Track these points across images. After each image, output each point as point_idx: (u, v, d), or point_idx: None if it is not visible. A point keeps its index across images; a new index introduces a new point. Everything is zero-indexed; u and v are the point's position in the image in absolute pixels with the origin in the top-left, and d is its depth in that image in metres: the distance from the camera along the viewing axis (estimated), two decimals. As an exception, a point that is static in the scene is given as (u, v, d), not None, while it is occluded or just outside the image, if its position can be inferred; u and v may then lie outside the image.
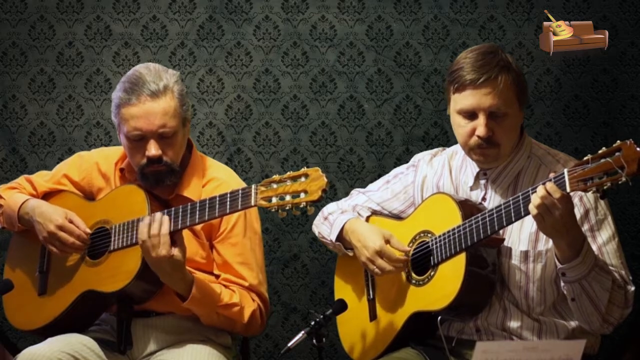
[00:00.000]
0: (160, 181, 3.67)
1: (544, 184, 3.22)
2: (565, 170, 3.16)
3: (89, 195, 3.83)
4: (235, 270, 3.70)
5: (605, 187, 3.06)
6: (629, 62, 4.63)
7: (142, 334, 3.68)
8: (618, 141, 3.06)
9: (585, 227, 3.39)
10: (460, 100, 3.44)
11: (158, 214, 3.55)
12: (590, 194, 3.38)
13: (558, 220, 3.20)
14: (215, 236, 3.72)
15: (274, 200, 3.38)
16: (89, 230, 3.69)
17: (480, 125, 3.42)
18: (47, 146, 4.78)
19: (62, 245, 3.66)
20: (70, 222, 3.68)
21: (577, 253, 3.27)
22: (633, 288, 3.37)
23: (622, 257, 3.41)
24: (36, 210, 3.72)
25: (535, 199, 3.21)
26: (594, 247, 3.37)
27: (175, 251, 3.51)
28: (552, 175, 3.22)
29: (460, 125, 3.47)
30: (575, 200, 3.39)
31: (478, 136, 3.42)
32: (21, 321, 3.80)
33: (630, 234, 4.63)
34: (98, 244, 3.69)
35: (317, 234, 3.83)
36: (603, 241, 3.39)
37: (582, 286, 3.30)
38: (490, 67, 3.42)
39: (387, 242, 3.54)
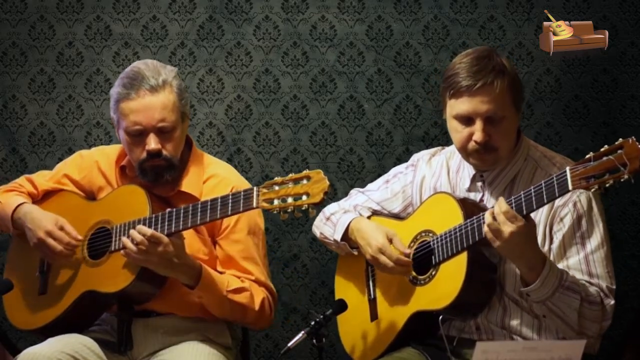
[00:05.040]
0: (159, 176, 3.67)
1: (499, 202, 3.27)
2: (568, 169, 3.16)
3: (90, 194, 3.83)
4: (241, 265, 3.70)
5: (607, 185, 3.07)
6: (629, 62, 4.63)
7: (143, 334, 3.68)
8: (620, 139, 3.07)
9: (576, 234, 3.40)
10: (457, 106, 3.44)
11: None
12: (584, 200, 3.40)
13: (510, 241, 3.23)
14: (219, 233, 3.72)
15: (276, 202, 3.38)
16: (80, 237, 3.68)
17: (477, 131, 3.42)
18: (47, 146, 4.78)
19: (52, 252, 3.66)
20: (61, 229, 3.68)
21: (537, 276, 3.29)
22: (612, 302, 3.38)
23: (609, 265, 3.41)
24: (27, 215, 3.71)
25: (487, 218, 3.26)
26: (581, 255, 3.39)
27: (169, 246, 3.51)
28: (553, 174, 3.24)
29: (457, 130, 3.47)
30: (570, 206, 3.41)
31: (475, 141, 3.43)
32: (21, 321, 3.80)
33: (630, 234, 4.63)
34: (99, 244, 3.69)
35: (318, 234, 3.82)
36: (591, 249, 3.40)
37: (547, 307, 3.33)
38: (486, 72, 3.41)
39: (390, 241, 3.54)
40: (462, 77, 3.42)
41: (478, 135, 3.42)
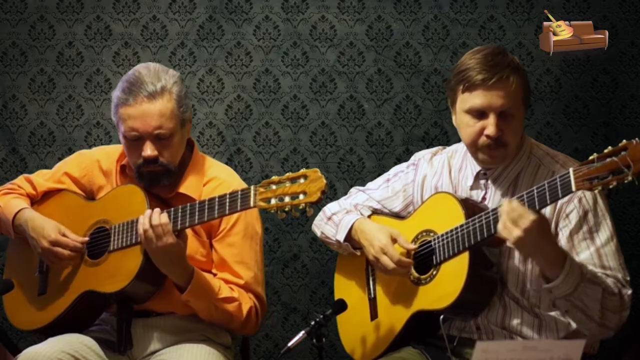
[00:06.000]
0: (155, 181, 3.67)
1: (510, 200, 3.25)
2: (571, 170, 3.15)
3: (90, 193, 3.83)
4: (232, 268, 3.69)
5: (610, 186, 3.06)
6: (629, 62, 4.63)
7: (142, 334, 3.68)
8: (624, 140, 3.06)
9: (584, 229, 3.39)
10: (471, 100, 3.43)
11: (157, 209, 3.56)
12: (589, 195, 3.39)
13: (526, 238, 3.22)
14: (215, 235, 3.72)
15: (273, 201, 3.38)
16: (86, 239, 3.69)
17: (490, 125, 3.41)
18: (47, 146, 4.78)
19: (59, 259, 3.67)
20: (64, 235, 3.68)
21: (558, 271, 3.27)
22: (630, 291, 3.37)
23: (621, 257, 3.41)
24: (29, 223, 3.71)
25: (500, 215, 3.25)
26: (592, 249, 3.38)
27: (178, 240, 3.52)
28: (557, 174, 3.23)
29: (468, 125, 3.45)
30: (575, 202, 3.40)
31: (487, 136, 3.42)
32: (22, 321, 3.80)
33: (630, 234, 4.63)
34: (98, 244, 3.69)
35: (319, 234, 3.81)
36: (602, 243, 3.39)
37: (570, 302, 3.31)
38: (501, 67, 3.41)
39: (394, 240, 3.54)
40: (477, 70, 3.40)
41: (491, 130, 3.41)
